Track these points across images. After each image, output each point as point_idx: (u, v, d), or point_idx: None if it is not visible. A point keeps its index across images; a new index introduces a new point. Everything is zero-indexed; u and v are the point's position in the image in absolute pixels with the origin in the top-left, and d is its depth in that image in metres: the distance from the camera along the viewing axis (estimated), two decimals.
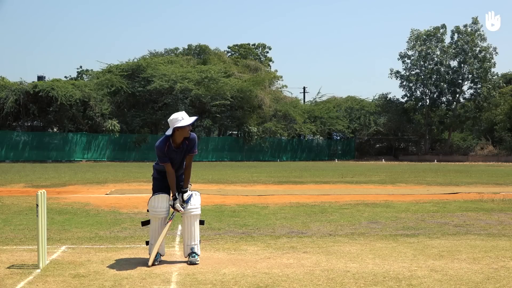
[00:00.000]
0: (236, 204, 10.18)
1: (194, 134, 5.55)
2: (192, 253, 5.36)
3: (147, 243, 5.56)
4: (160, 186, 5.56)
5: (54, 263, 5.28)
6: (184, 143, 5.45)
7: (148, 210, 5.55)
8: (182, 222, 5.55)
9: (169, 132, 5.38)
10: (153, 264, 5.22)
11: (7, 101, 34.72)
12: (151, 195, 5.59)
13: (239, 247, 6.17)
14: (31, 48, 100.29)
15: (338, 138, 54.58)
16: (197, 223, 5.51)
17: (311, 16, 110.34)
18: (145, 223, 5.64)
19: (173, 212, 5.50)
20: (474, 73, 48.54)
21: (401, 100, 52.38)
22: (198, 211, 5.53)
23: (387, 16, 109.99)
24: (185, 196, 5.48)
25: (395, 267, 5.20)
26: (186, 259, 5.40)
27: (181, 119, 5.31)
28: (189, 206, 5.45)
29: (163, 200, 5.45)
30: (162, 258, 5.48)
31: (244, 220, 8.29)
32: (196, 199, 5.53)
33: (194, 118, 5.47)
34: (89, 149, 38.30)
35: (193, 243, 5.40)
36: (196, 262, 5.29)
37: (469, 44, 48.07)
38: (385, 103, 53.19)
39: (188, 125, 5.35)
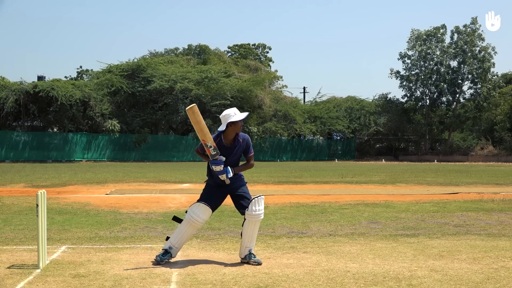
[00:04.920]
0: None
1: (246, 135, 5.59)
2: (251, 254, 5.39)
3: (167, 238, 5.52)
4: (209, 194, 5.48)
5: (54, 263, 5.28)
6: (236, 140, 5.46)
7: (186, 212, 5.46)
8: (246, 223, 5.44)
9: (222, 128, 5.40)
10: (160, 263, 5.24)
11: (7, 101, 34.70)
12: (198, 198, 5.51)
13: (239, 247, 6.16)
14: (31, 48, 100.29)
15: (338, 138, 54.62)
16: (258, 227, 5.51)
17: (311, 16, 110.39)
18: (177, 220, 5.58)
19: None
20: (474, 73, 48.58)
21: (401, 100, 52.46)
22: (263, 216, 5.51)
23: (387, 16, 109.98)
24: (230, 170, 5.36)
25: (395, 267, 5.20)
26: (242, 259, 5.42)
27: (234, 114, 5.36)
28: (258, 212, 5.40)
29: (206, 212, 5.38)
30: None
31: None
32: (262, 203, 5.47)
33: (246, 114, 5.53)
34: (89, 149, 38.28)
35: (251, 245, 5.44)
36: (261, 262, 5.34)
37: (468, 44, 48.10)
38: (385, 103, 53.21)
39: (240, 120, 5.38)
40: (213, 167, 5.31)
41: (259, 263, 5.30)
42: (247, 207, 5.39)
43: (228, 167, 5.35)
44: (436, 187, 15.56)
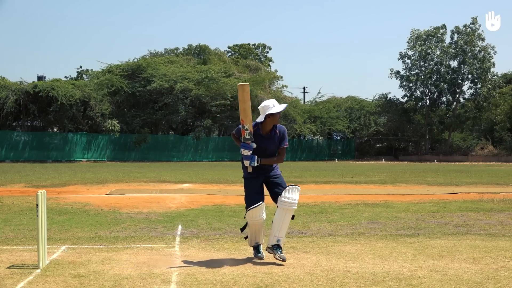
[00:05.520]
0: (236, 204, 10.13)
1: (283, 127, 5.63)
2: (278, 246, 5.40)
3: (245, 237, 5.70)
4: (251, 191, 5.58)
5: (54, 263, 5.28)
6: (273, 131, 5.51)
7: (245, 217, 5.59)
8: (277, 211, 5.53)
9: (260, 119, 5.47)
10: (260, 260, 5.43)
11: (7, 101, 34.71)
12: (244, 196, 5.66)
13: (239, 247, 6.17)
14: (31, 48, 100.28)
15: (338, 138, 54.60)
16: (290, 217, 5.52)
17: (311, 16, 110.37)
18: (243, 228, 5.71)
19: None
20: (474, 73, 48.58)
21: (401, 100, 52.45)
22: (296, 207, 5.52)
23: (387, 16, 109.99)
24: (256, 160, 5.43)
25: (395, 267, 5.20)
26: (267, 248, 5.48)
27: (273, 106, 5.42)
28: (290, 200, 5.43)
29: (258, 210, 5.46)
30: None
31: (244, 220, 8.28)
32: (297, 194, 5.50)
33: (284, 106, 5.58)
34: (89, 149, 38.29)
35: (280, 235, 5.46)
36: (286, 259, 5.33)
37: (468, 44, 48.10)
38: (385, 103, 53.21)
39: (278, 112, 5.43)
40: (242, 150, 5.40)
41: (283, 259, 5.30)
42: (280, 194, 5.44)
43: (256, 156, 5.41)
44: (436, 187, 15.55)
